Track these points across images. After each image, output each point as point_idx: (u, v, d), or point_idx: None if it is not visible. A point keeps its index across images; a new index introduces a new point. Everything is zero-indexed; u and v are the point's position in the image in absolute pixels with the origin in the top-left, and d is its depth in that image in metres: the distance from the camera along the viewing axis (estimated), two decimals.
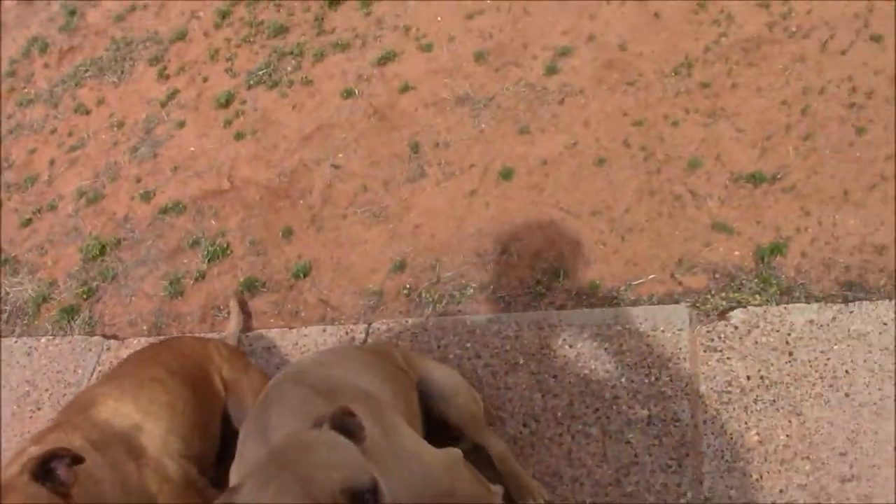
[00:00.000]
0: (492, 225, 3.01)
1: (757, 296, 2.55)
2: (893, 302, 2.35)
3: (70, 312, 3.27)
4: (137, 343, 3.04)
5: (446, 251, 3.00)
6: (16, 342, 3.21)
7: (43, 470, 1.68)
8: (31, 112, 4.12)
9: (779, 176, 2.77)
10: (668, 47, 3.20)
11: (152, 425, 2.03)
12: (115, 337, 3.17)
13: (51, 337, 3.21)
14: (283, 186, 3.40)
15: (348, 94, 3.59)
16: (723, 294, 2.59)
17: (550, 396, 2.49)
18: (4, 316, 3.38)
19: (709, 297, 2.59)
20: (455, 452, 2.03)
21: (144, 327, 3.17)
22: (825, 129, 2.82)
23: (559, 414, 2.45)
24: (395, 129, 3.41)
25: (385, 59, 3.64)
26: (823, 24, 3.03)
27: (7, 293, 3.45)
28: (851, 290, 2.47)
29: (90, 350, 3.09)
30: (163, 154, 3.71)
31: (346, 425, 1.53)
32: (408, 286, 2.96)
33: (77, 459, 1.74)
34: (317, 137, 3.52)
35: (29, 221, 3.67)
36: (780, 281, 2.55)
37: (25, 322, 3.33)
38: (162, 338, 2.93)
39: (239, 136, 3.61)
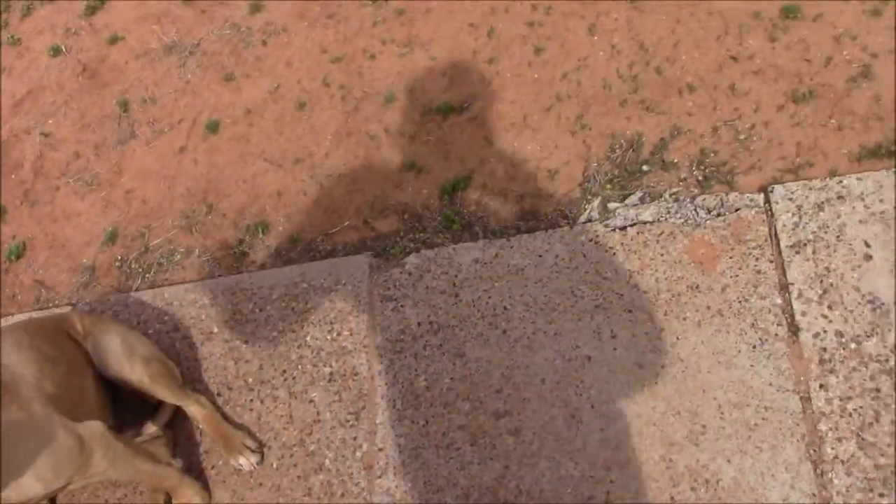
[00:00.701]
0: (200, 183, 2.93)
1: (440, 234, 2.56)
2: (549, 232, 2.38)
3: None
4: None
5: (157, 216, 2.92)
6: None
7: None
8: None
9: (465, 105, 2.75)
10: None
11: None
12: None
13: None
14: None
15: (56, 51, 3.38)
16: (410, 236, 2.59)
17: (242, 363, 2.49)
18: None
19: (398, 240, 2.60)
20: (94, 426, 2.03)
21: None
22: (508, 51, 2.78)
23: (250, 380, 2.46)
24: (105, 87, 3.24)
25: (93, 9, 3.42)
26: None
27: None
28: (525, 220, 2.50)
29: None
30: None
31: None
32: (119, 258, 2.89)
33: None
34: (28, 103, 3.32)
35: None
36: (463, 217, 2.56)
37: None
38: None
39: None
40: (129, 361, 2.29)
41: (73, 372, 2.20)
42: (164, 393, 2.35)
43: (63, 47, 3.38)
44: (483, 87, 2.75)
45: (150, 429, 2.41)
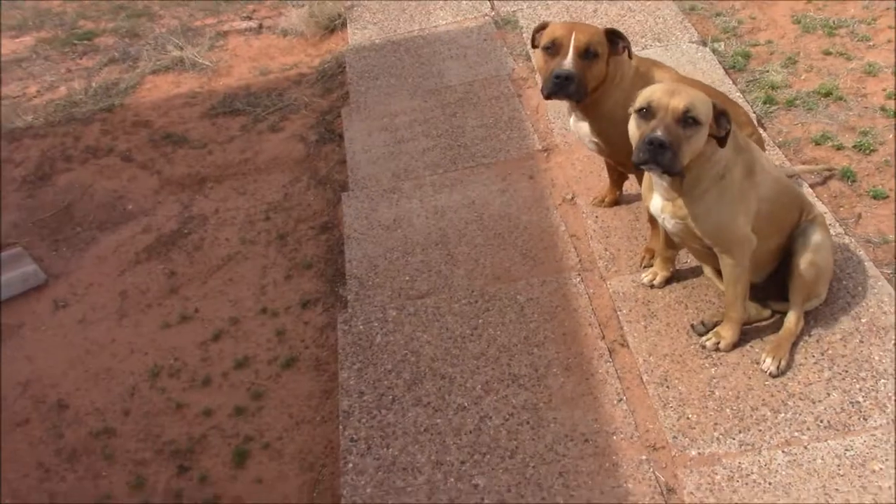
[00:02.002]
0: None
1: None
2: None
3: None
4: None
5: None
6: None
7: (614, 35, 3.10)
8: None
9: None
10: None
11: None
12: None
13: None
14: None
15: None
16: None
17: (844, 344, 3.03)
18: None
19: None
20: (752, 243, 2.86)
21: None
22: None
23: (835, 356, 3.01)
24: None
25: None
26: None
27: None
28: None
29: None
30: None
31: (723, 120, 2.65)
32: None
33: (629, 49, 3.12)
34: None
35: None
36: None
37: None
38: None
39: None
40: (806, 254, 2.97)
41: (779, 228, 3.00)
42: (795, 293, 3.02)
43: None
44: None
45: (774, 307, 3.15)
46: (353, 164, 4.48)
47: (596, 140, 3.26)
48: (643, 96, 2.65)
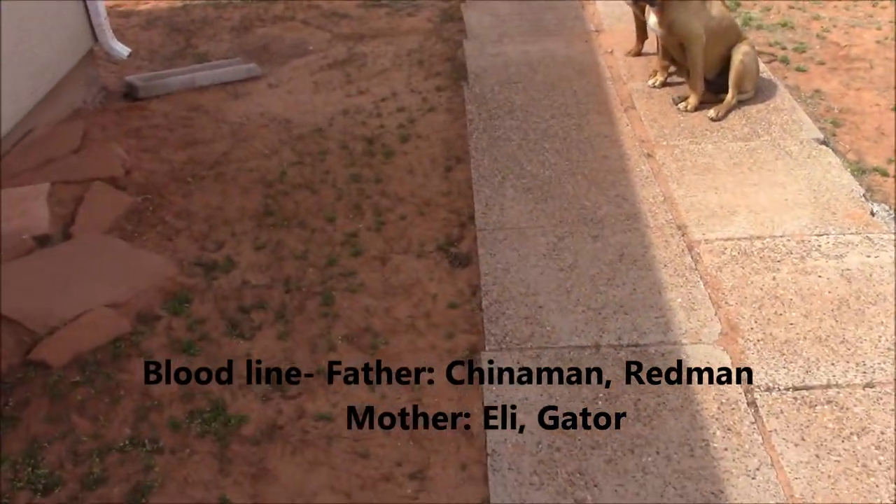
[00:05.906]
0: None
1: None
2: None
3: None
4: None
5: None
6: None
7: None
8: None
9: None
10: None
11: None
12: None
13: None
14: None
15: None
16: None
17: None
18: None
19: None
20: (702, 42, 5.68)
21: None
22: None
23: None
24: None
25: None
26: None
27: None
28: None
29: None
30: None
31: None
32: None
33: None
34: None
35: None
36: None
37: None
38: None
39: None
40: (737, 55, 5.64)
41: (723, 42, 5.75)
42: (732, 80, 5.68)
43: None
44: None
45: (721, 96, 5.89)
46: (469, 29, 7.28)
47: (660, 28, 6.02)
48: None
